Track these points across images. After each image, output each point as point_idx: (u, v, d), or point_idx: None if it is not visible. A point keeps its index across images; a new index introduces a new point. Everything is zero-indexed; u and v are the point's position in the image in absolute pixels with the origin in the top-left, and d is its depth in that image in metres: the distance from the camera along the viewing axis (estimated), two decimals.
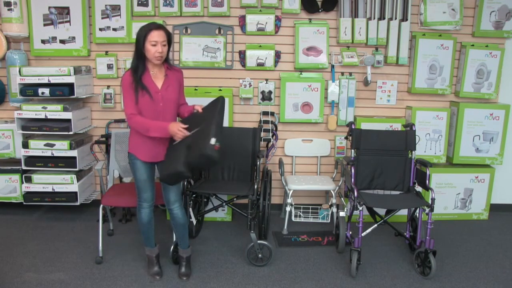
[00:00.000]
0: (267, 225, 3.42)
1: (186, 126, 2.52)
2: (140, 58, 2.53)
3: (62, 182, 3.62)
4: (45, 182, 3.63)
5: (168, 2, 3.66)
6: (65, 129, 3.51)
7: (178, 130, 2.49)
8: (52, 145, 3.55)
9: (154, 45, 2.48)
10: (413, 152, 3.21)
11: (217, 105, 2.56)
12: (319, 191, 3.92)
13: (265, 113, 3.80)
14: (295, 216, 3.80)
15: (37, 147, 3.55)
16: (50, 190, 3.62)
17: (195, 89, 3.75)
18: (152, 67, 2.60)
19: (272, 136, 3.79)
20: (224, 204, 3.37)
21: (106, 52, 3.77)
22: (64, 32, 3.70)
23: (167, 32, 2.55)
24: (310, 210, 3.85)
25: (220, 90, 3.77)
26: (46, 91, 3.47)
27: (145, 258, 2.90)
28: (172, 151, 2.58)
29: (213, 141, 2.38)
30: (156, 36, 2.47)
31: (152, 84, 2.57)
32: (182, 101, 2.77)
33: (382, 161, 3.23)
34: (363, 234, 2.88)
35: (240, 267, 2.98)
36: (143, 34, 2.48)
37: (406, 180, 3.23)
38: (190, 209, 3.17)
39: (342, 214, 3.18)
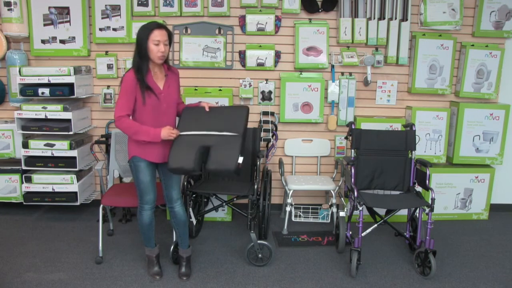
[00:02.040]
0: (267, 225, 3.42)
1: (176, 131, 2.58)
2: (142, 58, 2.52)
3: (62, 182, 3.62)
4: (45, 182, 3.62)
5: (168, 2, 3.66)
6: (65, 129, 3.51)
7: (170, 134, 2.55)
8: (52, 145, 3.55)
9: (157, 45, 2.48)
10: (413, 152, 3.21)
11: (244, 117, 2.65)
12: (319, 191, 3.92)
13: (265, 113, 3.80)
14: (295, 216, 3.80)
15: (37, 147, 3.55)
16: (50, 190, 3.62)
17: (195, 89, 3.75)
18: (153, 67, 2.59)
19: (272, 136, 3.79)
20: (224, 204, 3.37)
21: (106, 52, 3.78)
22: (64, 32, 3.70)
23: (168, 31, 2.55)
24: (310, 210, 3.85)
25: (220, 90, 3.77)
26: (46, 91, 3.47)
27: (145, 258, 2.90)
28: (183, 144, 2.57)
29: (240, 160, 2.48)
30: (158, 35, 2.47)
31: (155, 85, 2.58)
32: (179, 100, 2.80)
33: (382, 161, 3.23)
34: (363, 234, 2.88)
35: (240, 267, 2.98)
36: (145, 34, 2.47)
37: (406, 180, 3.23)
38: (190, 209, 3.17)
39: (342, 214, 3.18)
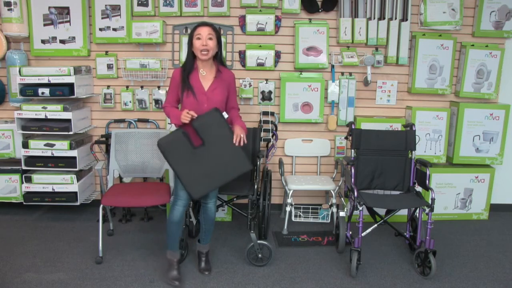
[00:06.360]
0: (267, 225, 3.42)
1: (192, 113, 2.55)
2: (189, 55, 2.62)
3: (62, 182, 3.61)
4: (45, 182, 3.62)
5: (168, 2, 3.65)
6: (65, 129, 3.51)
7: (185, 117, 2.52)
8: (52, 145, 3.55)
9: (199, 39, 2.55)
10: (413, 152, 3.21)
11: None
12: (319, 191, 3.92)
13: (265, 113, 3.80)
14: (295, 216, 3.80)
15: (37, 147, 3.55)
16: (50, 190, 3.62)
17: None
18: (203, 67, 2.63)
19: (272, 136, 3.78)
20: (224, 204, 3.37)
21: (106, 52, 3.77)
22: (64, 32, 3.70)
23: (213, 27, 2.60)
24: (310, 210, 3.85)
25: None
26: (46, 91, 3.47)
27: (145, 258, 2.91)
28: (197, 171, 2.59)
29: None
30: (200, 30, 2.56)
31: (199, 84, 2.61)
32: (231, 104, 2.78)
33: (382, 161, 3.23)
34: (363, 234, 2.88)
35: (240, 267, 2.98)
36: (191, 33, 2.60)
37: (406, 180, 3.23)
38: (190, 209, 3.17)
39: (342, 214, 3.18)
